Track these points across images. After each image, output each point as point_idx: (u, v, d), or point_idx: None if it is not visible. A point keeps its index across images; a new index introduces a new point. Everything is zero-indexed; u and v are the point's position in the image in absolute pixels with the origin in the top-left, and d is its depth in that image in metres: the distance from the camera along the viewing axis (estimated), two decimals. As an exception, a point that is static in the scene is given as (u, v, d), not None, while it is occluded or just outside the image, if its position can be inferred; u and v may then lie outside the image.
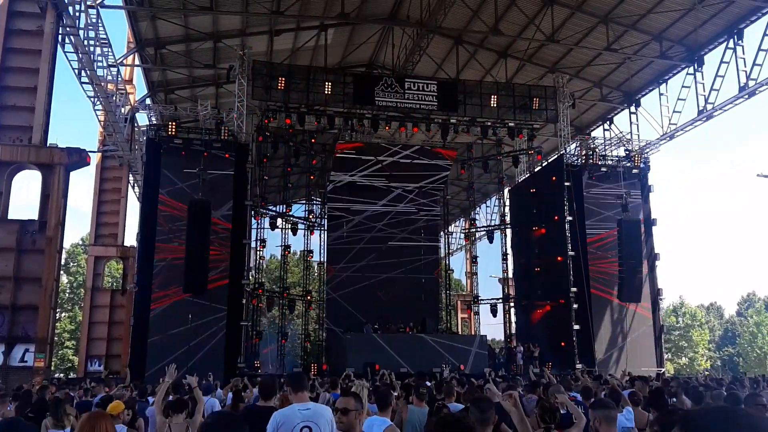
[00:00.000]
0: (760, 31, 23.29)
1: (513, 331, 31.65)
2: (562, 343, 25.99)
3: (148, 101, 29.04)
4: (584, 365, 23.81)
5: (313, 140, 30.35)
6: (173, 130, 23.56)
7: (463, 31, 28.13)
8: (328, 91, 25.85)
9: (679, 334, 61.46)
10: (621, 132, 30.53)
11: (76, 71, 22.94)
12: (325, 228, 31.80)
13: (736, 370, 47.79)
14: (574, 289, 25.79)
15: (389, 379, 12.85)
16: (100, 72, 23.18)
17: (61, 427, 6.19)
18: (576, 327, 25.51)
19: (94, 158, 30.42)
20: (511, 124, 28.49)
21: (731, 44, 24.59)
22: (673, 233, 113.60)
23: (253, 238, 27.08)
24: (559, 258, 26.94)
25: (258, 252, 28.53)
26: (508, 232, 32.79)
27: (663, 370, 25.97)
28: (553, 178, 27.61)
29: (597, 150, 27.95)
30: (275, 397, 5.99)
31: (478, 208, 37.81)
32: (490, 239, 33.51)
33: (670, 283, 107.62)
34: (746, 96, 24.23)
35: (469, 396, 7.52)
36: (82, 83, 23.45)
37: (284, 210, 30.67)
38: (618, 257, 26.27)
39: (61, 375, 41.95)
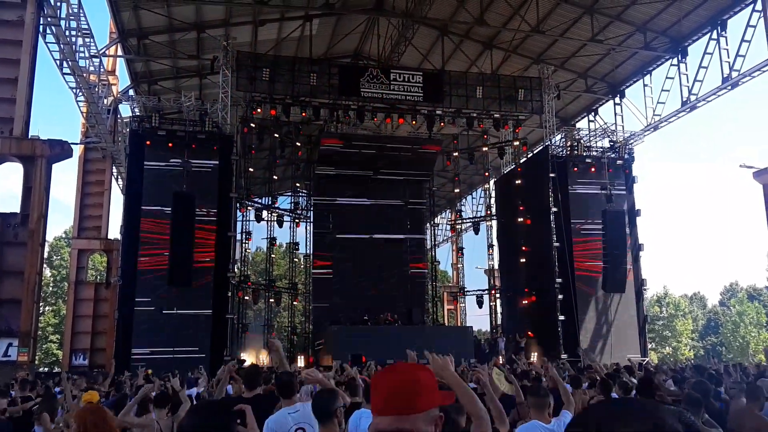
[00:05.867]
0: (743, 23, 23.38)
1: (499, 321, 31.79)
2: (550, 334, 26.11)
3: (131, 92, 28.72)
4: (569, 355, 24.00)
5: (300, 132, 30.22)
6: (157, 121, 23.34)
7: (449, 22, 28.08)
8: (313, 82, 25.72)
9: (663, 323, 61.99)
10: (605, 123, 30.69)
11: (58, 62, 22.62)
12: (311, 220, 31.72)
13: (719, 359, 48.23)
14: (559, 280, 25.85)
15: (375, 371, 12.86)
16: (82, 63, 22.87)
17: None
18: (561, 317, 25.61)
19: (77, 150, 29.99)
20: (496, 115, 28.50)
21: (715, 35, 24.71)
22: (657, 224, 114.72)
23: (239, 230, 26.95)
24: (544, 249, 27.03)
25: (243, 244, 28.43)
26: (494, 223, 32.90)
27: (647, 359, 26.20)
28: (539, 169, 27.65)
29: (582, 141, 28.03)
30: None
31: (463, 200, 37.96)
32: (476, 231, 33.64)
33: (654, 273, 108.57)
34: (729, 87, 24.37)
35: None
36: (63, 74, 23.13)
37: (270, 202, 30.60)
38: (602, 248, 26.40)
39: (45, 369, 41.65)
